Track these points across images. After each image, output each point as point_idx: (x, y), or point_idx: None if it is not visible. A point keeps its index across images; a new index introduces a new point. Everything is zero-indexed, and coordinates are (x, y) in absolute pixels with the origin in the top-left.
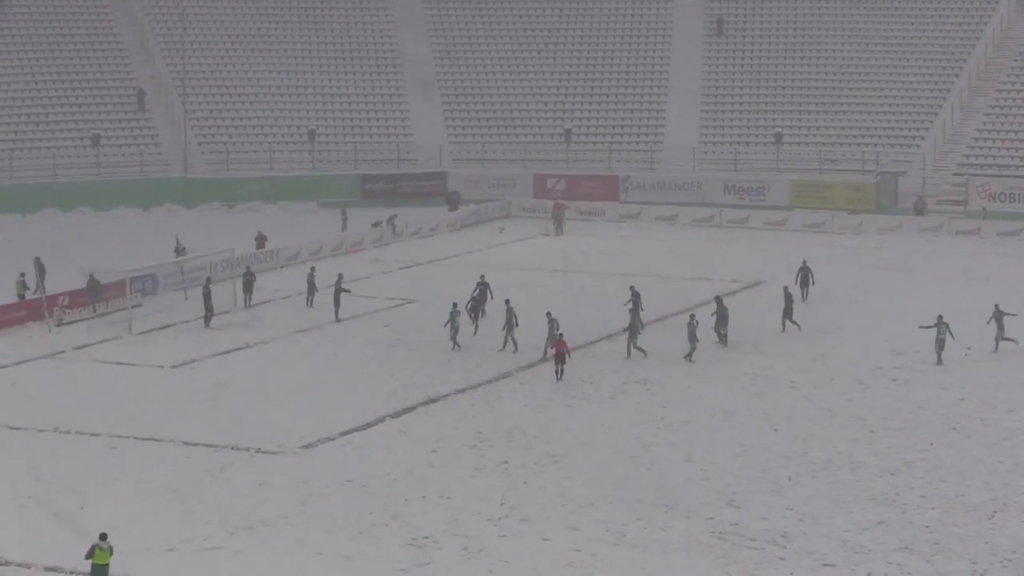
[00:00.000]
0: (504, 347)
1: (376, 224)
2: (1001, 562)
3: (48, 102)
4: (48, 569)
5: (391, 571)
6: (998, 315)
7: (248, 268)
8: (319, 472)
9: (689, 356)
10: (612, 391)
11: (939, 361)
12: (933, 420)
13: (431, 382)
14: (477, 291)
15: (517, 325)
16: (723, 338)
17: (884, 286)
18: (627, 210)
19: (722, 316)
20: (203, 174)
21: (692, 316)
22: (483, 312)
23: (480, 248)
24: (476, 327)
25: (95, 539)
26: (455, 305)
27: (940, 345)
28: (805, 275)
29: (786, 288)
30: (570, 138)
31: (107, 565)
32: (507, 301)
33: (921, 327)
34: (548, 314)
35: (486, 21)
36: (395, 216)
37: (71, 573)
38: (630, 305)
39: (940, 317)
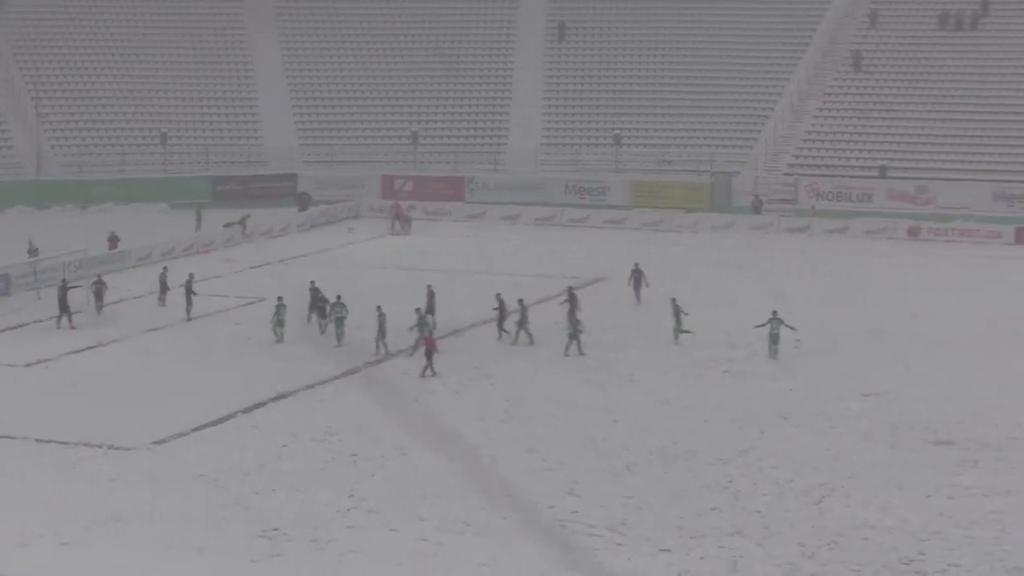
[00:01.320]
0: (377, 351)
1: (228, 225)
2: (828, 544)
3: None
4: None
5: (242, 563)
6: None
7: (99, 276)
8: (171, 467)
9: (575, 351)
10: (458, 385)
11: (772, 355)
12: (764, 410)
13: (281, 378)
14: (310, 297)
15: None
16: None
17: (718, 282)
18: (472, 210)
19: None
20: (56, 176)
21: (572, 311)
22: (325, 316)
23: (329, 248)
24: (321, 325)
25: None
26: (280, 299)
27: (774, 340)
28: (638, 277)
29: (570, 288)
30: (417, 140)
31: None
32: (379, 307)
33: (756, 326)
34: (378, 308)
35: (336, 25)
36: (248, 216)
37: None
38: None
39: (774, 313)
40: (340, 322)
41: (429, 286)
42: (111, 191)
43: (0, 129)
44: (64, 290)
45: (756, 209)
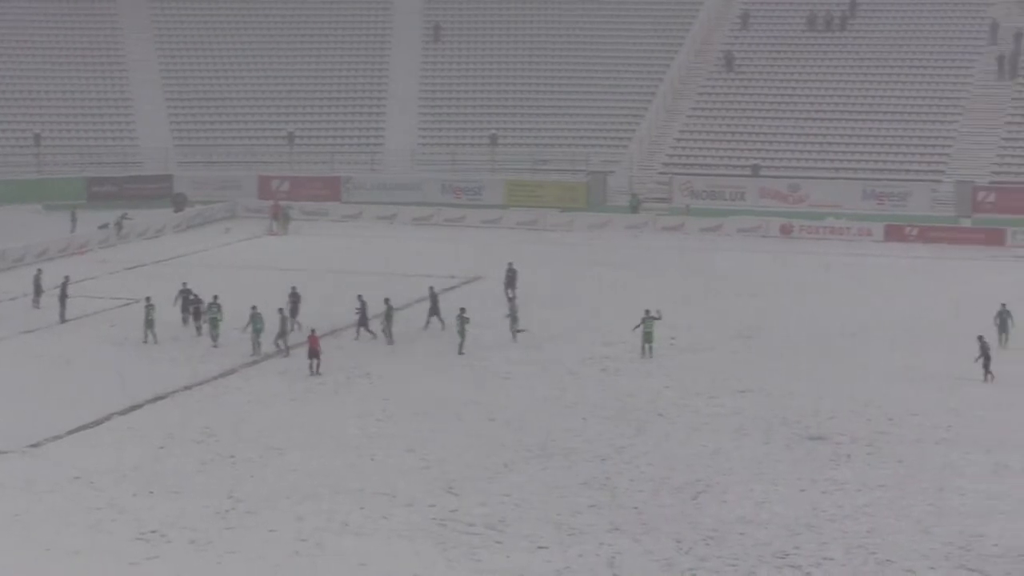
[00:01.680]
0: (254, 351)
1: (103, 226)
2: (704, 540)
3: None
4: None
5: (120, 565)
6: (647, 320)
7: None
8: (47, 470)
9: (460, 348)
10: (336, 385)
11: (645, 354)
12: (640, 407)
13: (158, 379)
14: (179, 299)
15: (262, 329)
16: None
17: (594, 280)
18: (349, 210)
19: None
20: None
21: (462, 310)
22: (199, 317)
23: (206, 248)
24: (198, 327)
25: None
26: (148, 299)
27: (648, 339)
28: (511, 277)
29: (431, 288)
30: (293, 140)
31: None
32: (253, 307)
33: (633, 328)
34: (280, 310)
35: (211, 25)
36: (124, 216)
37: None
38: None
39: (647, 311)
40: (215, 323)
41: (293, 287)
42: None
43: None
44: None
45: (634, 208)
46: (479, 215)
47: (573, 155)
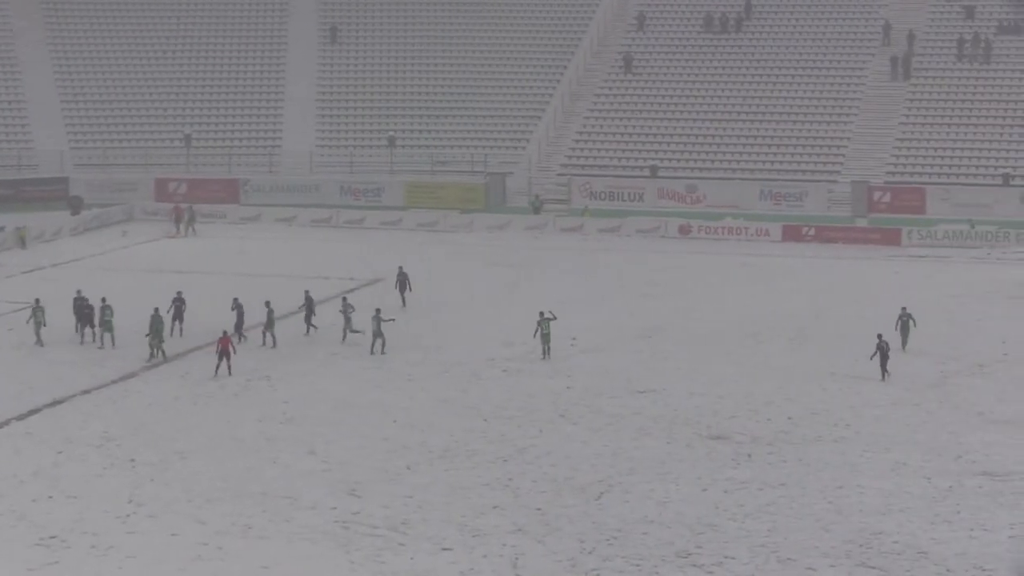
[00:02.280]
0: (153, 356)
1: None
2: (607, 539)
3: None
4: None
5: (19, 572)
6: (544, 320)
7: None
8: None
9: (375, 347)
10: (236, 388)
11: (544, 355)
12: (542, 408)
13: (56, 383)
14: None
15: (162, 339)
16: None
17: (494, 281)
18: (247, 212)
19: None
20: None
21: (378, 310)
22: (92, 323)
23: (104, 251)
24: (93, 334)
25: None
26: (37, 300)
27: (545, 340)
28: (403, 281)
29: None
30: (190, 142)
31: None
32: (156, 309)
33: (534, 334)
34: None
35: (105, 25)
36: (23, 228)
37: None
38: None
39: (542, 313)
40: (108, 324)
41: (179, 292)
42: None
43: None
44: None
45: (536, 209)
46: (379, 217)
47: (472, 156)
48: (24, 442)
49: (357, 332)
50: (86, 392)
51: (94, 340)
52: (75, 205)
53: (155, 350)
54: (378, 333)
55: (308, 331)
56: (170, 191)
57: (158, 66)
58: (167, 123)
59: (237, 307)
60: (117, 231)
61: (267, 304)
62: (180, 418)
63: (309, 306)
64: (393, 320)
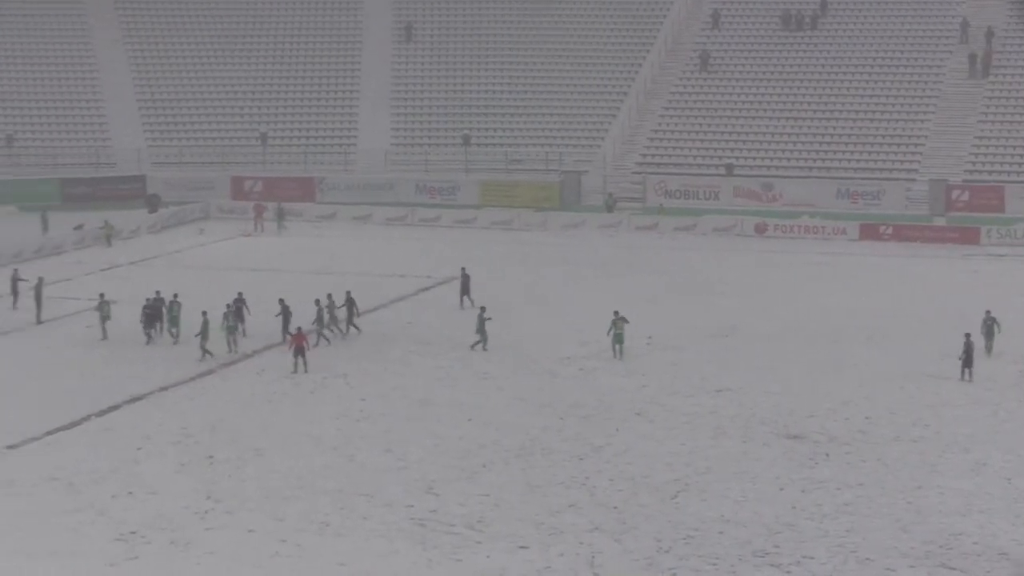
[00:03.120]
0: (203, 357)
1: (78, 227)
2: (684, 539)
3: None
4: None
5: (99, 566)
6: (617, 321)
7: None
8: (25, 471)
9: (476, 346)
10: (313, 385)
11: (616, 355)
12: (618, 406)
13: (135, 380)
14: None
15: (208, 337)
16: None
17: (569, 280)
18: (324, 210)
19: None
20: None
21: (482, 308)
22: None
23: (180, 249)
24: (148, 337)
25: None
26: (102, 295)
27: (618, 340)
28: (465, 283)
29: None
30: (266, 141)
31: None
32: (204, 313)
33: (608, 333)
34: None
35: (181, 25)
36: (110, 226)
37: None
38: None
39: (616, 313)
40: (175, 320)
41: (240, 294)
42: None
43: None
44: None
45: (609, 207)
46: (453, 215)
47: (547, 155)
48: (103, 438)
49: (330, 333)
50: (164, 389)
51: (162, 337)
52: (152, 203)
53: (204, 351)
54: (480, 331)
55: (348, 331)
56: (246, 189)
57: (234, 65)
58: (243, 121)
59: (283, 309)
60: (194, 229)
61: (348, 294)
62: (257, 415)
63: (350, 307)
64: (490, 319)
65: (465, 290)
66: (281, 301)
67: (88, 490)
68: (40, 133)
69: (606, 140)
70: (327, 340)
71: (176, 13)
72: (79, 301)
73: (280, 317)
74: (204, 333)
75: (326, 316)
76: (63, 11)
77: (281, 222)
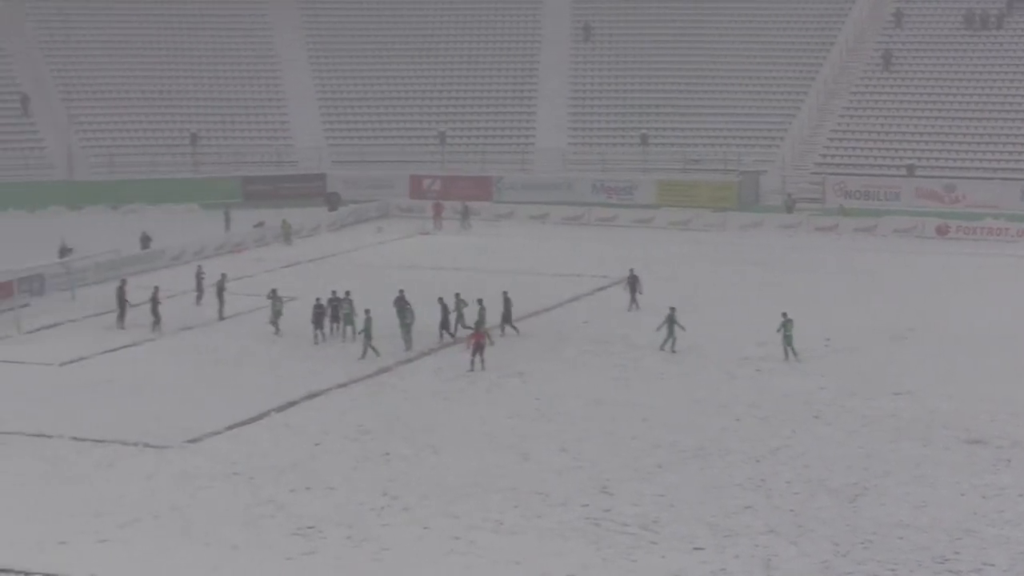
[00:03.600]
0: (364, 355)
1: (258, 225)
2: (862, 543)
3: None
4: None
5: (277, 560)
6: (787, 323)
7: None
8: (206, 465)
9: (665, 346)
10: (489, 384)
11: (786, 357)
12: (796, 408)
13: (314, 376)
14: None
15: (371, 335)
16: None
17: (747, 280)
18: (501, 209)
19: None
20: (87, 177)
21: (672, 309)
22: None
23: (359, 247)
24: (317, 336)
25: None
26: (274, 291)
27: (788, 341)
28: (632, 283)
29: (504, 293)
30: (444, 140)
31: None
32: (367, 311)
33: (777, 331)
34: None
35: (362, 27)
36: (262, 223)
37: None
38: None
39: (784, 315)
40: (348, 318)
41: (401, 291)
42: (142, 191)
43: (32, 130)
44: (123, 290)
45: (788, 208)
46: (631, 215)
47: (725, 155)
48: (283, 433)
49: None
50: (342, 386)
51: (335, 336)
52: (332, 201)
53: (366, 348)
54: (670, 331)
55: (442, 336)
56: (424, 188)
57: (414, 65)
58: (422, 121)
59: (443, 307)
60: (372, 227)
61: (504, 294)
62: (433, 413)
63: (507, 307)
64: (683, 329)
65: (633, 291)
66: (440, 299)
67: (268, 485)
68: (223, 132)
69: (785, 140)
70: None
71: (357, 14)
72: (259, 298)
73: (455, 314)
74: (368, 331)
75: (454, 317)
76: (247, 11)
77: (466, 221)
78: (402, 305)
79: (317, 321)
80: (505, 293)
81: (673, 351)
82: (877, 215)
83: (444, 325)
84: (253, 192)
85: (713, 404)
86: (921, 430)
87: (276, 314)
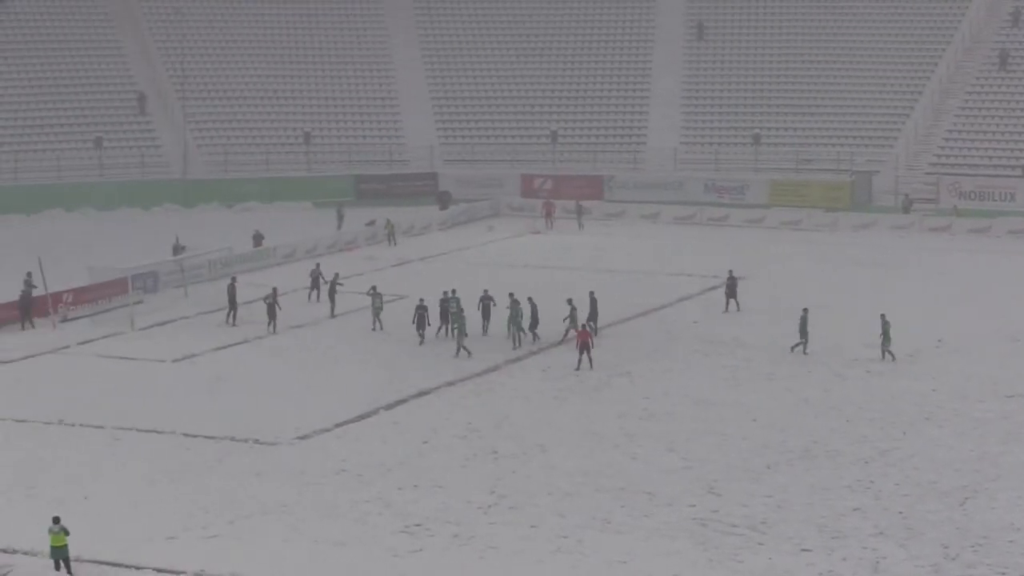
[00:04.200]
0: (457, 354)
1: (370, 223)
2: (972, 546)
3: (52, 105)
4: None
5: (384, 557)
6: (884, 323)
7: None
8: (315, 462)
9: (796, 347)
10: (597, 383)
11: (883, 357)
12: (906, 410)
13: (423, 375)
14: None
15: (467, 334)
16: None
17: (859, 281)
18: (612, 208)
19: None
20: (202, 175)
21: (805, 310)
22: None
23: (469, 246)
24: (421, 337)
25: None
26: (374, 287)
27: (886, 342)
28: (732, 285)
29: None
30: (556, 139)
31: (64, 547)
32: (462, 309)
33: (880, 335)
34: (568, 300)
35: (475, 27)
36: (389, 222)
37: (75, 560)
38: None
39: (883, 316)
40: (457, 317)
41: (591, 292)
42: (256, 190)
43: (148, 129)
44: (233, 286)
45: (905, 208)
46: (742, 214)
47: (838, 154)
48: (391, 431)
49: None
50: (451, 384)
51: (446, 335)
52: (443, 200)
53: (459, 347)
54: (803, 332)
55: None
56: (536, 187)
57: (526, 64)
58: (534, 119)
59: (532, 306)
60: (483, 226)
61: (569, 301)
62: (541, 411)
63: (594, 308)
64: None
65: (731, 293)
66: (529, 299)
67: (376, 482)
68: (336, 131)
69: (899, 140)
70: (525, 337)
71: (470, 14)
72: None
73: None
74: (462, 329)
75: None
76: (361, 10)
77: (580, 219)
78: (487, 303)
79: (420, 323)
80: (592, 293)
81: (805, 352)
82: (991, 216)
83: (533, 326)
84: (366, 191)
85: (822, 405)
86: None
87: (376, 311)
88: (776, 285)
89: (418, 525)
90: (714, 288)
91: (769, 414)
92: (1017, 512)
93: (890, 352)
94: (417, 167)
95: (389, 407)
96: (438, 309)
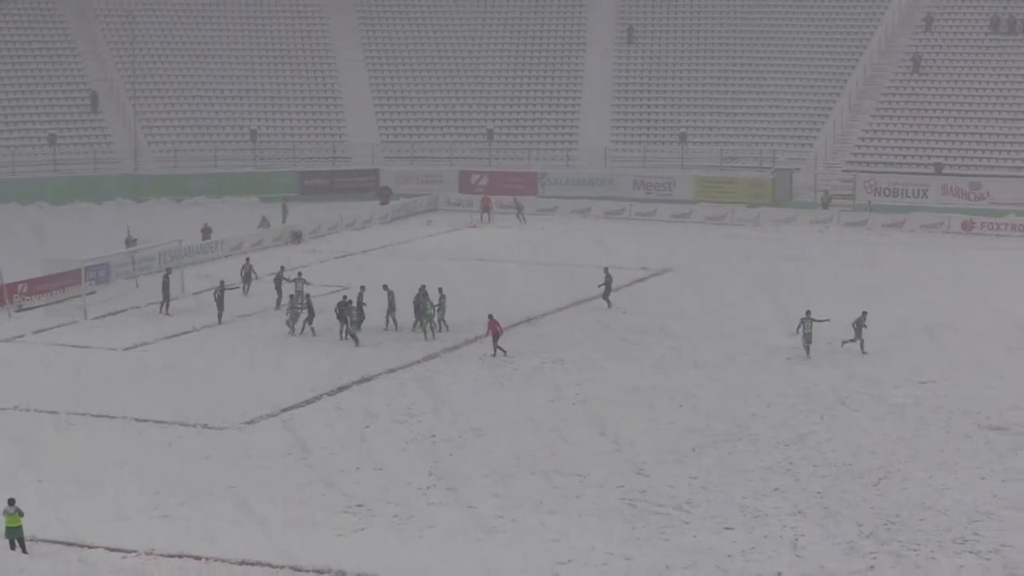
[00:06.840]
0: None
1: (261, 225)
2: (885, 524)
3: (7, 104)
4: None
5: (328, 536)
6: (807, 320)
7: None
8: (261, 446)
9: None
10: (531, 370)
11: (808, 355)
12: (824, 396)
13: (365, 362)
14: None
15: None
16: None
17: (780, 274)
18: (545, 204)
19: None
20: (152, 171)
21: (808, 312)
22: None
23: (409, 240)
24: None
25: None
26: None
27: (807, 339)
28: (607, 282)
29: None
30: (492, 137)
31: (19, 527)
32: (422, 287)
33: (796, 331)
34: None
35: (416, 30)
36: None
37: (29, 540)
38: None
39: (808, 312)
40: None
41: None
42: (204, 185)
43: (100, 126)
44: (168, 277)
45: (825, 204)
46: (669, 210)
47: (760, 152)
48: (334, 416)
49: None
50: (391, 371)
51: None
52: (384, 196)
53: (350, 335)
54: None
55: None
56: (473, 183)
57: (464, 65)
58: (471, 119)
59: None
60: (423, 221)
61: (441, 292)
62: (478, 397)
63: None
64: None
65: (607, 291)
66: (445, 289)
67: (320, 464)
68: (281, 128)
69: (818, 139)
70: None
71: (411, 17)
72: (313, 287)
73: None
74: (358, 322)
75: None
76: (304, 11)
77: (520, 213)
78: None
79: (342, 317)
80: (385, 286)
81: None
82: (906, 211)
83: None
84: (309, 186)
85: (745, 391)
86: (944, 418)
87: (294, 298)
88: (702, 277)
89: (360, 506)
90: (643, 280)
91: (694, 400)
92: (928, 491)
93: (809, 349)
94: (359, 164)
95: (332, 393)
96: (387, 303)
